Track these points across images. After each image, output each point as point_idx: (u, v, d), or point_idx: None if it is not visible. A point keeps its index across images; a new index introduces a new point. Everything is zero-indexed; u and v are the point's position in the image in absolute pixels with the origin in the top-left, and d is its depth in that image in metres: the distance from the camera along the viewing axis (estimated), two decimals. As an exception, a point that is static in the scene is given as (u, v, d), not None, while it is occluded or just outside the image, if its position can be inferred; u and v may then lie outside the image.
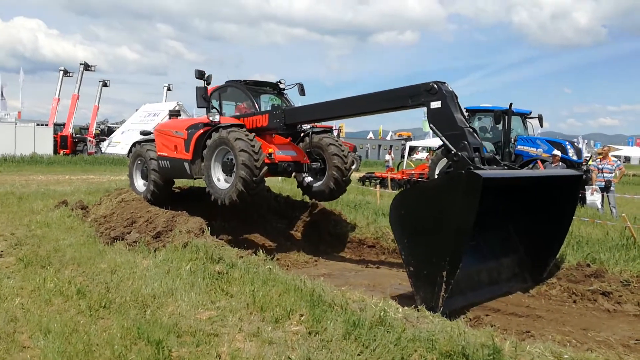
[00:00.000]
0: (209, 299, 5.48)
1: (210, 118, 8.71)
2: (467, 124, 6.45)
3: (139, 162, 10.53)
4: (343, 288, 6.29)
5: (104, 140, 44.28)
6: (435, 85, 6.49)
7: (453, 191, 5.45)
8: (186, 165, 9.07)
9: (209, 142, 8.44)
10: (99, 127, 49.39)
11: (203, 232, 8.17)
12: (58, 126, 39.08)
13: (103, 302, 5.33)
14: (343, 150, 9.03)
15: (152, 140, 10.16)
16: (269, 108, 9.10)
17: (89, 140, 40.25)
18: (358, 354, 4.15)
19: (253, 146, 7.84)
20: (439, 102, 6.44)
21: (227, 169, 8.29)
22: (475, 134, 6.39)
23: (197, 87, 8.80)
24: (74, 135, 39.90)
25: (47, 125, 38.25)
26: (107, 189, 13.59)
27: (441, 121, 6.43)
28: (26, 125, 36.56)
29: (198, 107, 9.10)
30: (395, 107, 7.20)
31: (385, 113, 7.83)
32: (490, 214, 6.73)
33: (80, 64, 39.95)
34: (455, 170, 6.05)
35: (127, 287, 5.86)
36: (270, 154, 8.37)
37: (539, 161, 14.48)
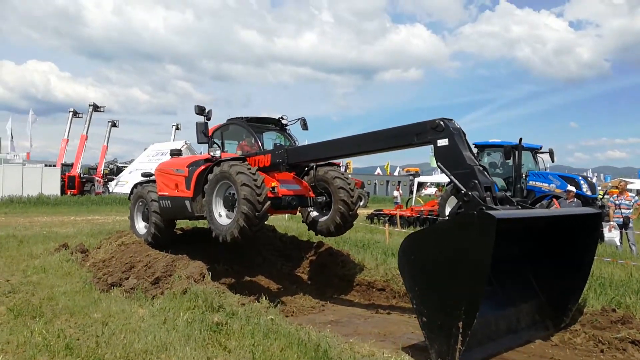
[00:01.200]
0: (206, 354, 5.06)
1: (212, 154, 8.48)
2: (477, 162, 6.12)
3: (140, 203, 10.24)
4: (351, 340, 5.87)
5: (112, 180, 44.38)
6: (442, 123, 6.19)
7: (465, 233, 5.07)
8: (187, 203, 8.79)
9: (210, 176, 8.16)
10: (108, 167, 49.66)
11: (204, 277, 7.83)
12: (66, 167, 39.24)
13: (91, 359, 4.92)
14: (349, 184, 8.75)
15: (154, 181, 9.91)
16: (272, 147, 8.86)
17: (97, 180, 40.30)
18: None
19: (255, 180, 7.55)
20: (447, 140, 6.14)
21: (229, 204, 7.99)
22: (485, 172, 6.06)
23: (197, 123, 8.61)
24: (81, 175, 40.03)
25: (55, 165, 38.40)
26: (109, 231, 13.30)
27: (449, 159, 6.12)
28: (34, 166, 36.71)
29: (198, 143, 8.92)
30: (401, 145, 6.90)
31: (391, 151, 7.51)
32: (506, 257, 6.33)
33: (90, 105, 40.45)
34: (467, 210, 5.68)
35: (119, 341, 5.45)
36: (273, 188, 8.08)
37: (554, 199, 14.06)
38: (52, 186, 34.90)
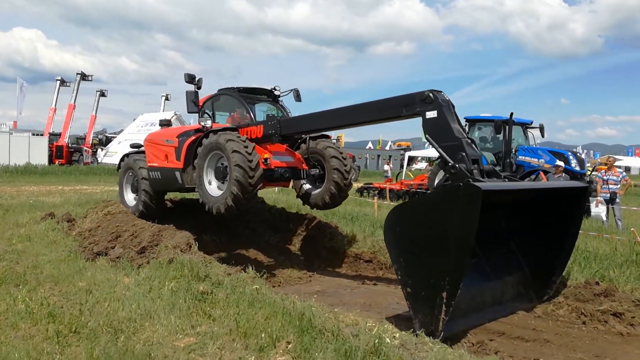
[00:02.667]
0: (190, 323, 5.04)
1: (202, 124, 8.29)
2: (465, 135, 6.07)
3: (130, 174, 10.01)
4: (337, 309, 5.88)
5: (101, 150, 43.97)
6: (430, 94, 6.11)
7: (451, 205, 5.04)
8: (177, 174, 8.63)
9: (200, 149, 8.01)
10: (97, 137, 49.17)
11: (190, 247, 7.78)
12: (54, 136, 38.73)
13: (74, 326, 4.89)
14: (342, 153, 8.64)
15: (143, 152, 9.70)
16: (264, 118, 8.71)
17: (85, 150, 39.88)
18: (349, 390, 3.72)
19: (246, 147, 7.39)
20: (435, 112, 6.05)
21: (220, 176, 7.84)
22: (473, 145, 6.01)
23: (187, 92, 8.39)
24: (69, 145, 39.55)
25: (42, 135, 37.90)
26: (97, 201, 13.18)
27: (437, 132, 6.05)
28: (21, 135, 36.22)
29: (188, 113, 8.68)
30: (389, 117, 6.82)
31: (380, 123, 7.43)
32: (493, 229, 6.34)
33: (77, 74, 39.76)
34: (453, 183, 5.65)
35: (103, 309, 5.43)
36: (265, 160, 7.90)
37: (541, 172, 14.10)
38: (39, 156, 34.49)
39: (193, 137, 8.43)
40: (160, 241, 7.97)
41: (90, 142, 42.82)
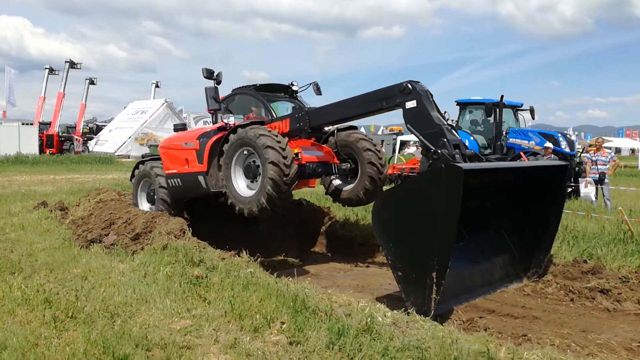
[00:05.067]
0: (185, 306, 5.12)
1: (225, 121, 7.80)
2: (445, 122, 6.25)
3: (145, 183, 9.35)
4: (330, 290, 5.98)
5: (91, 138, 43.73)
6: (409, 85, 6.29)
7: (434, 187, 5.18)
8: (201, 178, 8.06)
9: (226, 146, 7.46)
10: (88, 126, 48.86)
11: (184, 233, 7.81)
12: (44, 125, 38.45)
13: (70, 311, 4.94)
14: (375, 145, 8.12)
15: (158, 159, 9.13)
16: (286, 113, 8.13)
17: (76, 138, 39.64)
18: (342, 367, 3.82)
19: (279, 141, 6.88)
20: (414, 102, 6.22)
21: (251, 174, 7.32)
22: (454, 131, 6.20)
23: (206, 88, 7.97)
24: (60, 134, 39.29)
25: (32, 124, 37.60)
26: (89, 189, 13.18)
27: (418, 120, 6.22)
28: (10, 124, 35.92)
29: (209, 110, 8.28)
30: (371, 111, 6.95)
31: (361, 118, 7.52)
32: (479, 212, 6.47)
33: (66, 62, 39.35)
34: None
35: (99, 294, 5.48)
36: (297, 155, 7.31)
37: (521, 153, 14.25)
38: (30, 145, 34.27)
39: (216, 137, 7.93)
40: (154, 228, 8.00)
41: (81, 131, 42.52)
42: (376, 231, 5.78)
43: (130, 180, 9.76)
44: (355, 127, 8.59)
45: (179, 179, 8.47)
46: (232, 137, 7.38)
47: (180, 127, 9.64)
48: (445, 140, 5.83)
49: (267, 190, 6.84)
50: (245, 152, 7.34)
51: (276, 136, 6.99)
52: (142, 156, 10.06)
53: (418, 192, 5.41)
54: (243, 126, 7.29)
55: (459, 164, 5.11)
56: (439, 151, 5.80)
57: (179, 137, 8.86)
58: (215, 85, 8.08)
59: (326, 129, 8.37)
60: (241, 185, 7.48)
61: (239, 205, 7.37)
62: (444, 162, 5.62)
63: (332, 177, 8.45)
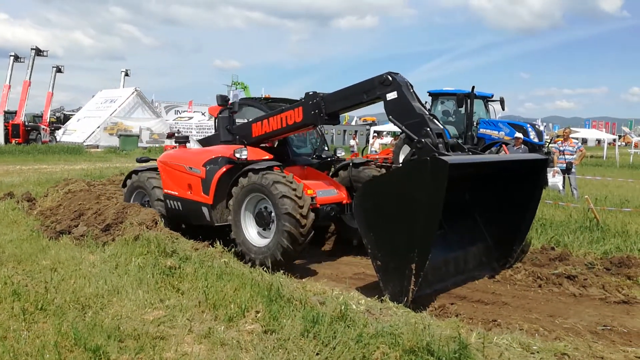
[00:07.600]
0: (158, 297, 5.07)
1: (237, 155, 7.24)
2: (426, 111, 6.27)
3: (138, 194, 8.80)
4: (304, 280, 6.02)
5: (59, 128, 42.62)
6: (389, 77, 6.31)
7: (419, 179, 5.21)
8: (205, 210, 7.57)
9: (235, 189, 7.06)
10: (55, 115, 47.60)
11: (156, 223, 7.70)
12: (9, 114, 37.26)
13: (40, 303, 4.84)
14: None
15: (154, 169, 8.55)
16: None
17: (43, 128, 38.59)
18: (316, 354, 3.85)
19: (295, 189, 6.47)
20: (395, 93, 6.23)
21: (263, 222, 6.89)
22: (436, 120, 6.21)
23: (219, 117, 7.75)
24: (26, 123, 38.18)
25: (-4, 113, 36.44)
26: (58, 180, 12.88)
27: (399, 111, 6.23)
28: (-26, 113, 34.76)
29: (221, 141, 7.96)
30: (353, 104, 6.96)
31: (344, 113, 7.49)
32: (457, 202, 6.54)
33: (32, 49, 38.11)
34: (420, 157, 5.81)
35: (69, 286, 5.39)
36: (312, 198, 6.91)
37: (503, 145, 14.47)
38: (-6, 135, 33.26)
39: (224, 169, 7.46)
40: (125, 218, 7.87)
41: (48, 120, 41.39)
42: (357, 219, 5.78)
43: (122, 187, 9.20)
44: (370, 161, 8.40)
45: (179, 203, 7.99)
46: (243, 180, 6.95)
47: (182, 140, 9.10)
48: (428, 129, 5.85)
49: (282, 244, 6.45)
50: (257, 197, 6.93)
51: (291, 182, 6.60)
52: (137, 160, 9.49)
53: (402, 183, 5.42)
54: (256, 171, 6.84)
55: (444, 158, 5.11)
56: (423, 140, 5.81)
57: (183, 158, 8.15)
58: (230, 114, 7.84)
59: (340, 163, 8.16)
60: (252, 233, 7.05)
61: (249, 255, 6.91)
62: (428, 151, 5.64)
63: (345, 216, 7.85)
